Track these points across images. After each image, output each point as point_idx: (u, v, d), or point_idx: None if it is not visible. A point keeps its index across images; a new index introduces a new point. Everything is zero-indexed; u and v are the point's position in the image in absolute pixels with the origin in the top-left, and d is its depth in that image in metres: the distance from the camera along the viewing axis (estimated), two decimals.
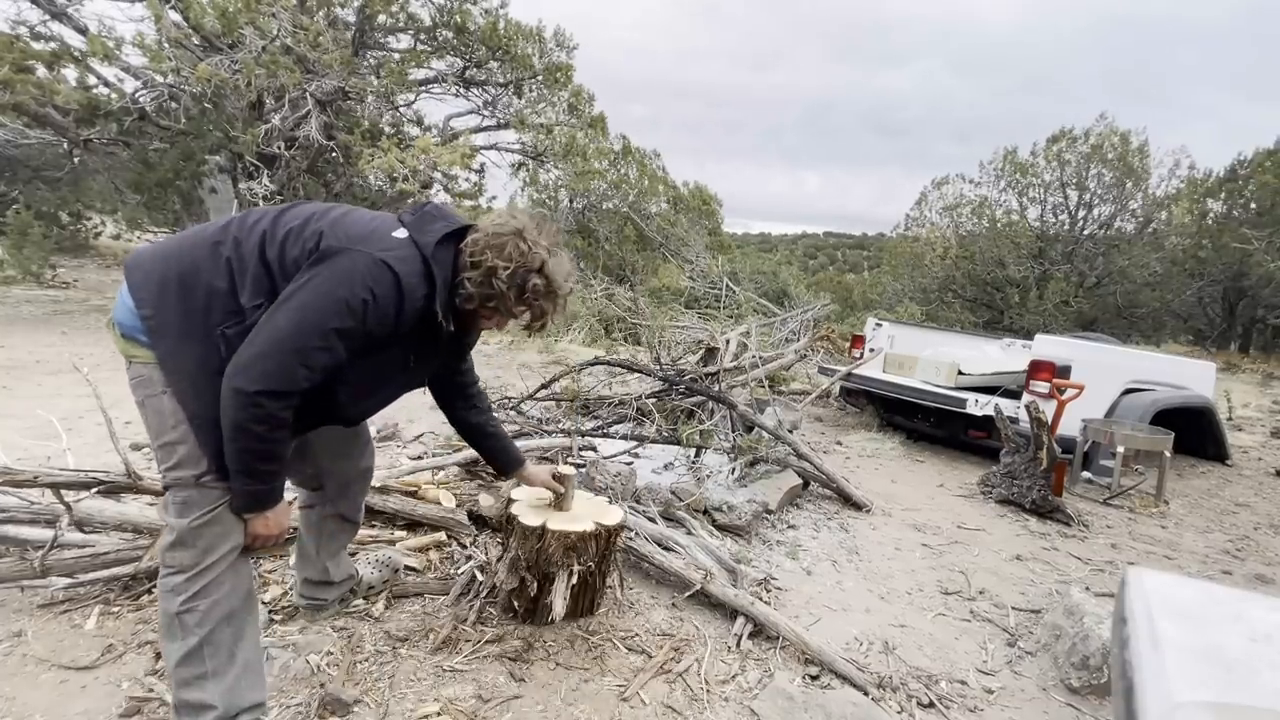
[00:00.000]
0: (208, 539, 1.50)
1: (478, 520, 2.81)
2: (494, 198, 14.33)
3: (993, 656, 2.40)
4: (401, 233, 1.56)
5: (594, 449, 3.95)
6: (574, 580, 2.08)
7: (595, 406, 4.65)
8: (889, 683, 2.11)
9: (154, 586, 2.19)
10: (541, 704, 1.86)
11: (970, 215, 18.97)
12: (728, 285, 11.99)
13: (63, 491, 2.17)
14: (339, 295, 1.42)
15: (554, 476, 2.21)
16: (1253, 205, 18.23)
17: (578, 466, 3.39)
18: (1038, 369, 4.68)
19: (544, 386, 4.77)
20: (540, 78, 12.22)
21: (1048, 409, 4.23)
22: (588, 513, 2.19)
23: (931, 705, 2.05)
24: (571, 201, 15.97)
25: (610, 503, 2.40)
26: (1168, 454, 4.55)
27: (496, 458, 2.12)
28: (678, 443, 4.11)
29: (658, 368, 5.00)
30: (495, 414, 2.39)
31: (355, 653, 1.98)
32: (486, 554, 2.56)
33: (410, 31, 11.24)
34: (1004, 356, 5.68)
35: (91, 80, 8.73)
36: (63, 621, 2.04)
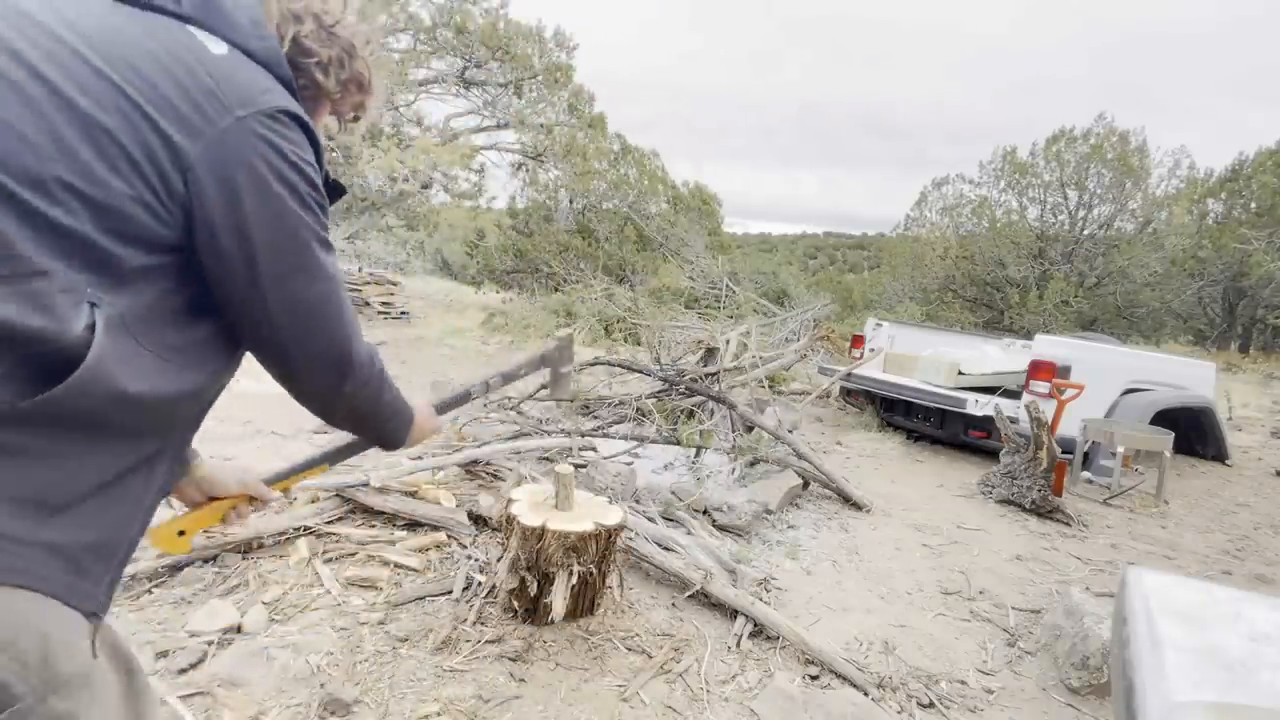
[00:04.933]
0: None
1: (478, 520, 2.81)
2: (494, 198, 14.35)
3: (993, 656, 2.40)
4: None
5: (594, 449, 3.95)
6: (574, 580, 2.08)
7: (595, 406, 4.65)
8: (889, 683, 2.11)
9: (154, 587, 2.19)
10: (541, 704, 1.86)
11: (970, 215, 19.00)
12: (728, 285, 12.00)
13: None
14: None
15: (555, 475, 2.21)
16: (1253, 205, 18.25)
17: (578, 467, 3.39)
18: (1038, 369, 4.68)
19: (544, 386, 4.77)
20: (540, 78, 12.26)
21: (1048, 409, 4.23)
22: (588, 513, 2.20)
23: (931, 705, 2.05)
24: (571, 201, 15.98)
25: (610, 503, 2.40)
26: (1168, 454, 4.55)
27: None
28: (678, 443, 4.11)
29: (658, 368, 5.00)
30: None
31: (355, 653, 1.98)
32: (486, 554, 2.56)
33: (410, 32, 11.25)
34: (1004, 356, 5.68)
35: None
36: None
